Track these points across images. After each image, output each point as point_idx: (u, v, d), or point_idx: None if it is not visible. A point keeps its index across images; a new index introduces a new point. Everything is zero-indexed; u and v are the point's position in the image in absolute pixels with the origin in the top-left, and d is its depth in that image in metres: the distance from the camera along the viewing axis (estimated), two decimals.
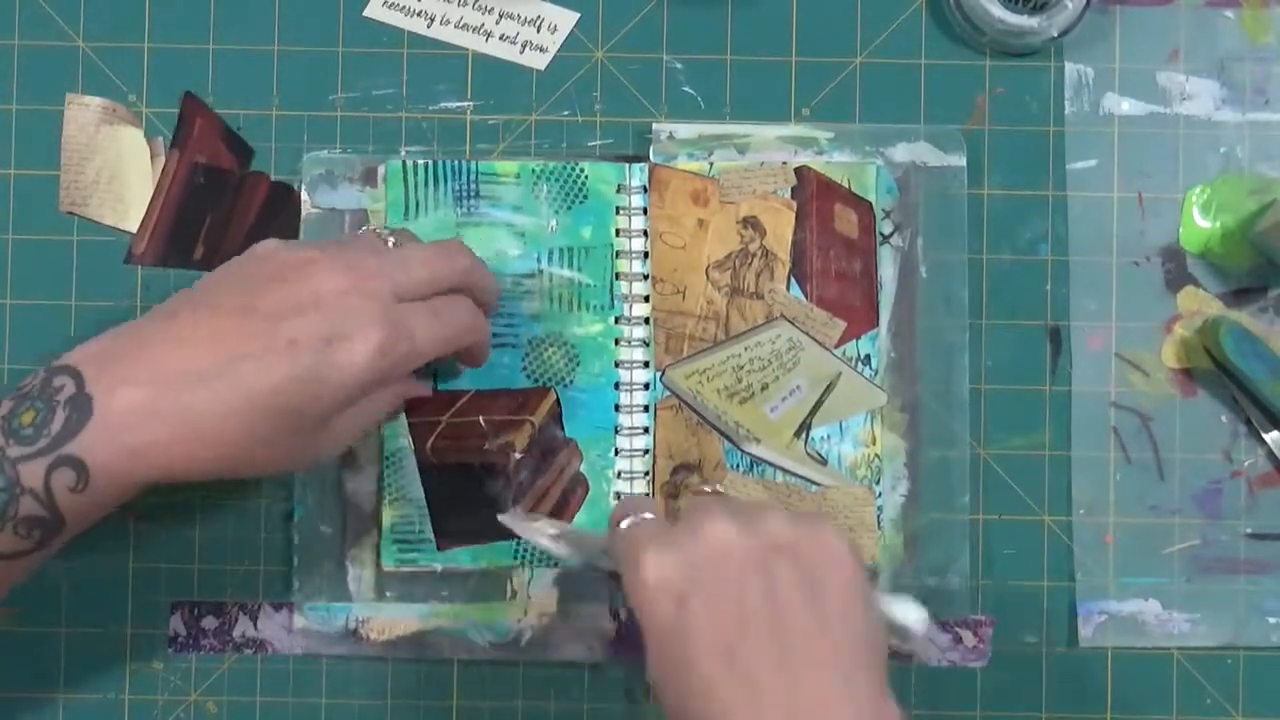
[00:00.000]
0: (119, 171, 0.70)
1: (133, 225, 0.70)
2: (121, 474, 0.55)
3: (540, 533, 0.64)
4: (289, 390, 0.55)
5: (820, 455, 0.69)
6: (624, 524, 0.58)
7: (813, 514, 0.57)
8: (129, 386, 0.54)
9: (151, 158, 0.70)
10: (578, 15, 0.71)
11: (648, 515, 0.58)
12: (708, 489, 0.68)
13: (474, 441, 0.68)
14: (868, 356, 0.69)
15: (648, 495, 0.68)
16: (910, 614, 0.57)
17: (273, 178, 0.70)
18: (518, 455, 0.68)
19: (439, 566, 0.69)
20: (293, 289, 0.57)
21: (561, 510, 0.68)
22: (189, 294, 0.59)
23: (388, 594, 0.69)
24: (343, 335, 0.56)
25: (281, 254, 0.58)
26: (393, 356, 0.57)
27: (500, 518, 0.66)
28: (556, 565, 0.68)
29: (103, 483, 0.54)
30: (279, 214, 0.70)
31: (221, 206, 0.70)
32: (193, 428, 0.55)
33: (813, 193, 0.69)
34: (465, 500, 0.68)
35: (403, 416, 0.68)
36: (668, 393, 0.69)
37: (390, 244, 0.61)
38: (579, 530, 0.67)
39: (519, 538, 0.68)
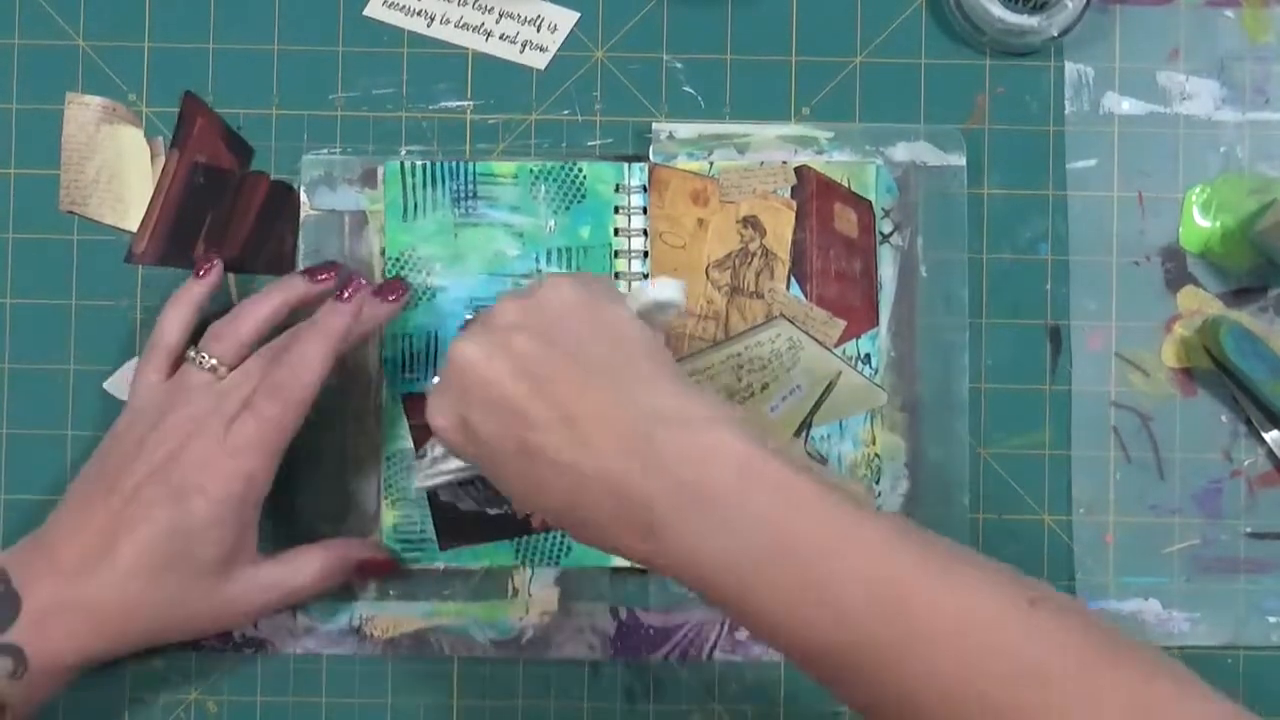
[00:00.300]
0: (119, 171, 0.70)
1: (133, 225, 0.70)
2: (52, 660, 0.61)
3: (454, 470, 0.64)
4: (162, 548, 0.61)
5: (820, 455, 0.69)
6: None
7: (537, 280, 0.59)
8: (40, 583, 0.61)
9: (151, 158, 0.70)
10: (578, 15, 0.71)
11: (433, 381, 0.59)
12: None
13: None
14: (868, 356, 0.69)
15: None
16: (665, 290, 0.59)
17: (273, 178, 0.70)
18: None
19: (442, 566, 0.69)
20: (141, 460, 0.62)
21: None
22: (73, 486, 0.64)
23: (390, 593, 0.69)
24: (189, 482, 0.61)
25: (134, 430, 0.64)
26: (240, 481, 0.62)
27: (416, 486, 0.66)
28: (558, 564, 0.68)
29: (38, 668, 0.60)
30: (279, 214, 0.70)
31: (221, 206, 0.70)
32: (98, 610, 0.61)
33: (813, 192, 0.69)
34: (466, 500, 0.68)
35: (403, 419, 0.68)
36: None
37: (209, 362, 0.64)
38: None
39: (518, 536, 0.68)
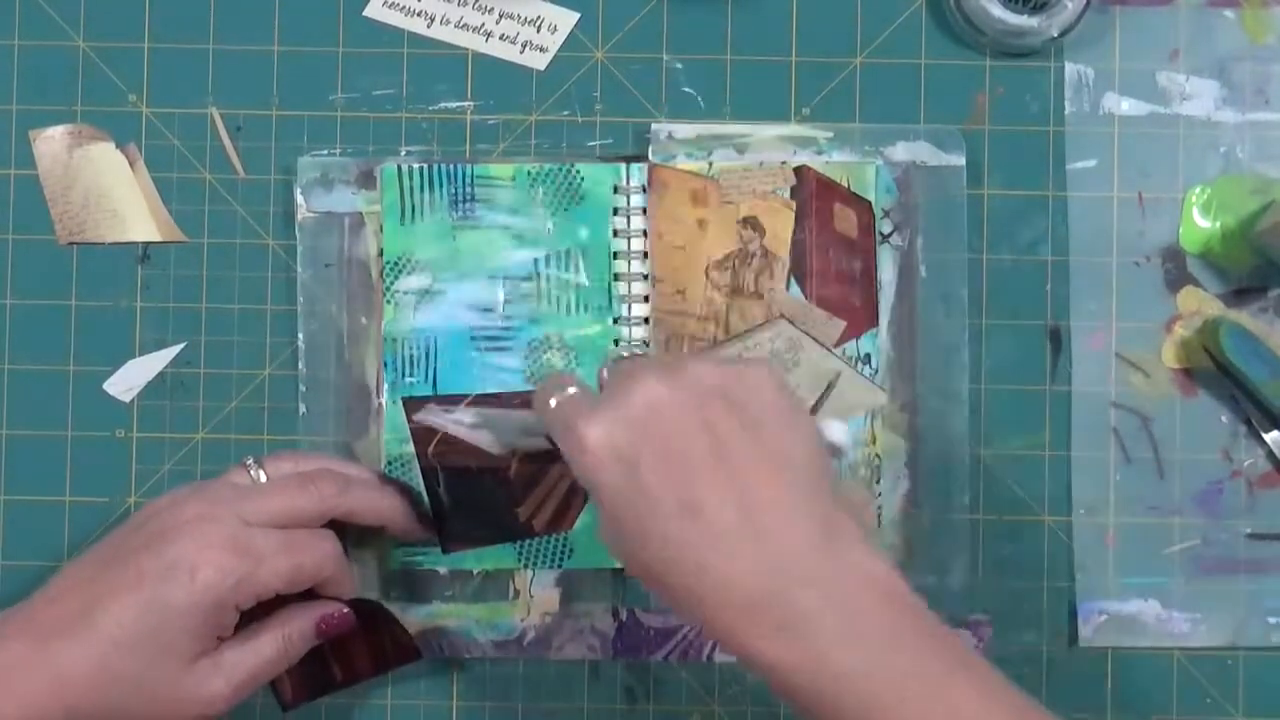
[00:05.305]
0: (104, 188, 0.70)
1: (135, 236, 0.70)
2: None
3: (458, 423, 0.66)
4: (135, 622, 0.58)
5: None
6: (552, 402, 0.57)
7: (735, 357, 0.57)
8: (11, 641, 0.58)
9: (130, 164, 0.70)
10: (578, 15, 0.71)
11: (571, 390, 0.57)
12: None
13: (475, 446, 0.68)
14: (868, 356, 0.69)
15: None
16: (834, 432, 0.58)
17: (272, 178, 0.70)
18: (518, 458, 0.68)
19: (444, 569, 0.69)
20: (149, 528, 0.60)
21: (564, 514, 0.68)
22: (80, 557, 0.61)
23: (392, 594, 0.69)
24: (183, 560, 0.58)
25: (153, 507, 0.61)
26: (234, 578, 0.59)
27: (416, 417, 0.67)
28: (560, 566, 0.69)
29: None
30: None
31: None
32: (61, 676, 0.57)
33: (812, 192, 0.69)
34: (468, 504, 0.68)
35: (404, 422, 0.68)
36: None
37: (259, 475, 0.63)
38: (497, 413, 0.68)
39: (521, 539, 0.68)
